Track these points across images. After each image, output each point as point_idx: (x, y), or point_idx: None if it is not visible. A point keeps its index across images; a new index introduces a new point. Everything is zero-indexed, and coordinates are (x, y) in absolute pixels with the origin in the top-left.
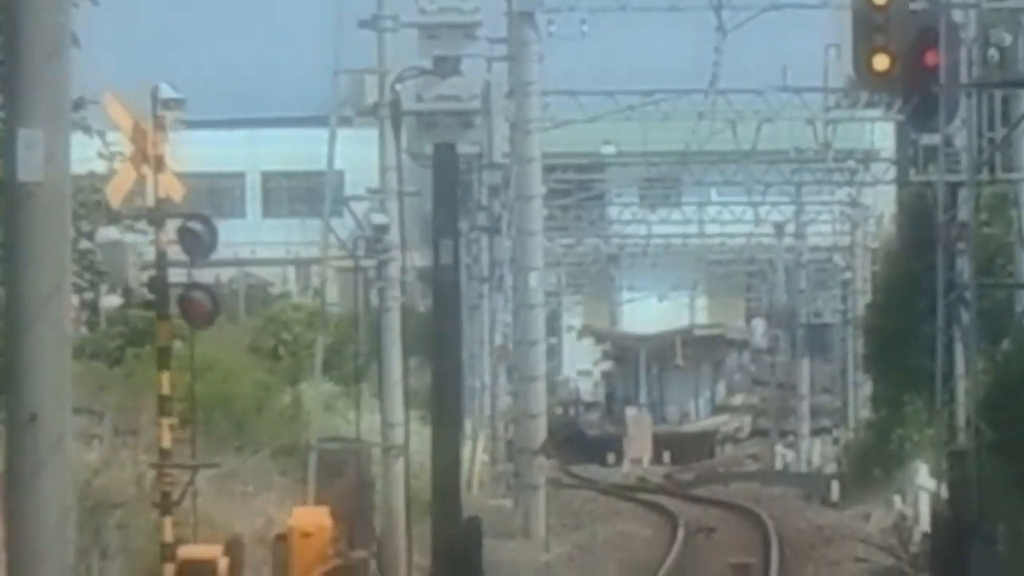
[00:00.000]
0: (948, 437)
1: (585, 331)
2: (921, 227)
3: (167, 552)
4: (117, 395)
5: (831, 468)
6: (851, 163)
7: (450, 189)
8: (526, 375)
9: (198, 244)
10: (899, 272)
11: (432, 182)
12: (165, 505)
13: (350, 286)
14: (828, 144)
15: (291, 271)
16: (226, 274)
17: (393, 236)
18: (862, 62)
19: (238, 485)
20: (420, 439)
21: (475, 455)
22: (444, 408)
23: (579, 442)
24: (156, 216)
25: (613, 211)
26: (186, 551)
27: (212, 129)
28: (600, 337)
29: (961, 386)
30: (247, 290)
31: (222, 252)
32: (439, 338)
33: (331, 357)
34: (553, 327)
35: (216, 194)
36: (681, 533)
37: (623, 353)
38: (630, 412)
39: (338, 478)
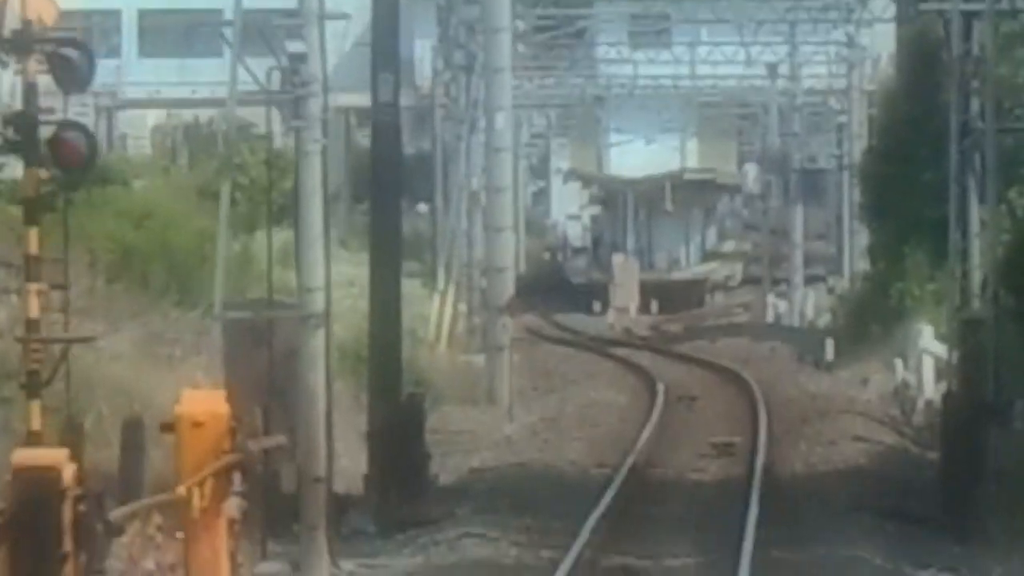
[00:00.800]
0: (960, 303)
1: (571, 175)
2: (923, 67)
3: (34, 442)
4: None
5: (825, 319)
6: None
7: (390, 13)
8: (492, 225)
9: (72, 74)
10: (899, 116)
11: (371, 5)
12: (32, 386)
13: (330, 128)
14: None
15: (275, 111)
16: (205, 115)
17: (313, 67)
18: None
19: (165, 348)
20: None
21: (444, 307)
22: (382, 260)
23: (565, 289)
24: (20, 42)
25: (599, 51)
26: (22, 457)
27: None
28: (586, 181)
29: (976, 245)
30: (226, 131)
31: (200, 91)
32: (377, 182)
33: (291, 203)
34: (543, 170)
35: (193, 33)
36: (660, 402)
37: (610, 197)
38: (617, 259)
39: (251, 352)
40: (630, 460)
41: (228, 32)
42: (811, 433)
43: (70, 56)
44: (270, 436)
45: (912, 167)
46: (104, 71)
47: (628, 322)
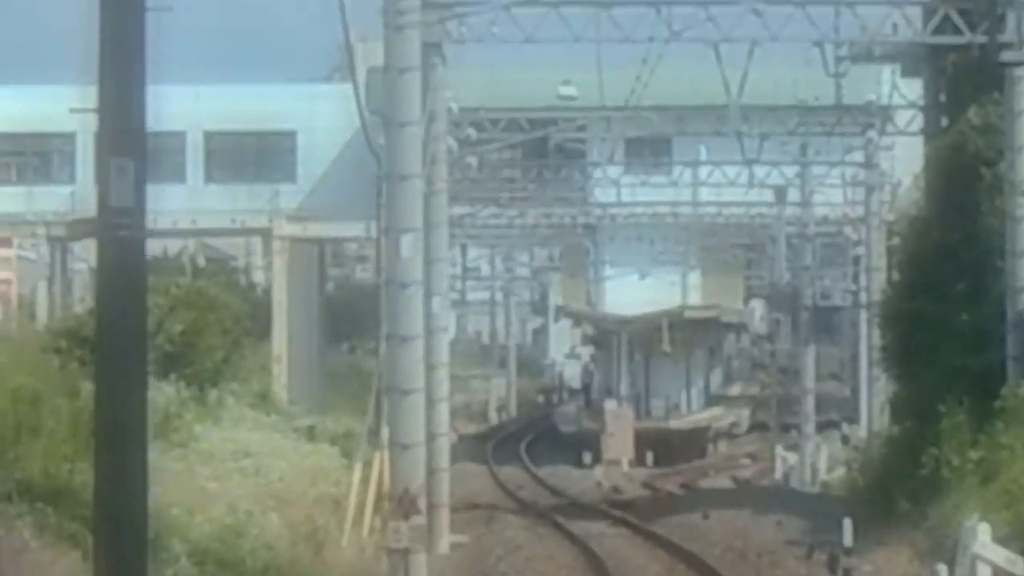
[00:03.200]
0: None
1: (560, 312)
2: (958, 187)
3: None
4: None
5: (839, 474)
6: (869, 101)
7: (128, 67)
8: (396, 386)
9: None
10: (929, 244)
11: (98, 58)
12: None
13: (303, 260)
14: (839, 75)
15: (258, 242)
16: (174, 246)
17: None
18: None
19: None
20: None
21: (371, 480)
22: (113, 445)
23: (553, 439)
24: None
25: (592, 174)
26: None
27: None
28: (576, 319)
29: None
30: (207, 265)
31: (160, 221)
32: (104, 326)
33: (183, 350)
34: (543, 306)
35: (155, 155)
36: None
37: (603, 337)
38: (609, 406)
39: None
40: None
41: None
42: None
43: None
44: None
45: (947, 306)
46: (58, 198)
47: (619, 478)
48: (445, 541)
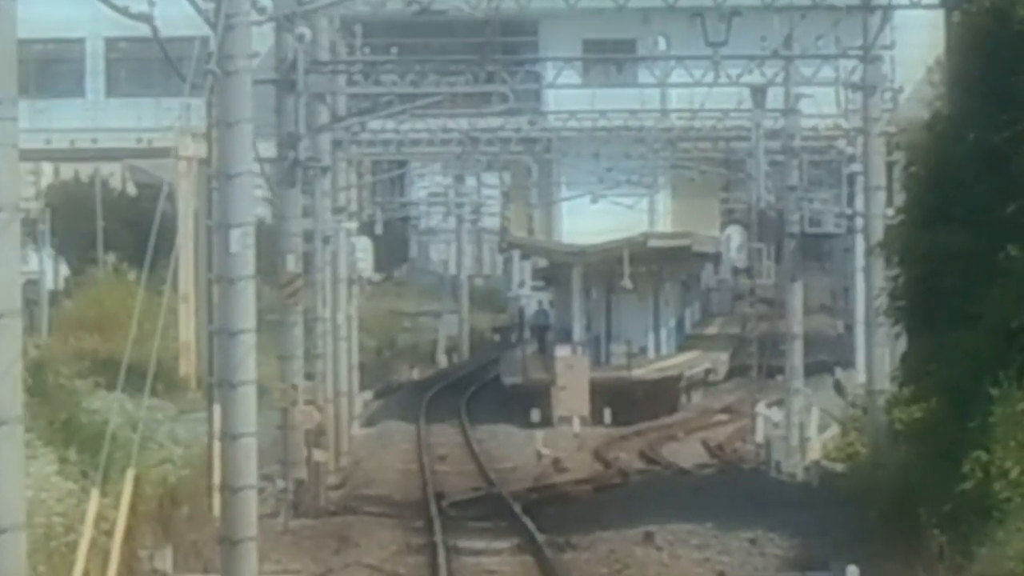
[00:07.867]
0: None
1: (504, 242)
2: (1001, 69)
3: None
4: None
5: (833, 435)
6: None
7: None
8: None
9: None
10: (960, 152)
11: None
12: None
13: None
14: None
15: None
16: (106, 168)
17: None
18: None
19: None
20: None
21: (117, 515)
22: None
23: (503, 388)
24: None
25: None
26: None
27: None
28: (525, 250)
29: None
30: (139, 190)
31: (56, 140)
32: None
33: None
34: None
35: (47, 66)
36: None
37: (555, 272)
38: (560, 352)
39: None
40: None
41: None
42: None
43: None
44: None
45: (989, 236)
46: None
47: (568, 443)
48: None
